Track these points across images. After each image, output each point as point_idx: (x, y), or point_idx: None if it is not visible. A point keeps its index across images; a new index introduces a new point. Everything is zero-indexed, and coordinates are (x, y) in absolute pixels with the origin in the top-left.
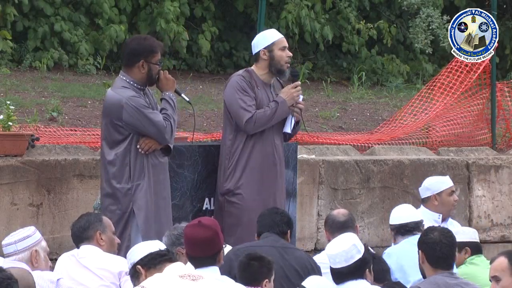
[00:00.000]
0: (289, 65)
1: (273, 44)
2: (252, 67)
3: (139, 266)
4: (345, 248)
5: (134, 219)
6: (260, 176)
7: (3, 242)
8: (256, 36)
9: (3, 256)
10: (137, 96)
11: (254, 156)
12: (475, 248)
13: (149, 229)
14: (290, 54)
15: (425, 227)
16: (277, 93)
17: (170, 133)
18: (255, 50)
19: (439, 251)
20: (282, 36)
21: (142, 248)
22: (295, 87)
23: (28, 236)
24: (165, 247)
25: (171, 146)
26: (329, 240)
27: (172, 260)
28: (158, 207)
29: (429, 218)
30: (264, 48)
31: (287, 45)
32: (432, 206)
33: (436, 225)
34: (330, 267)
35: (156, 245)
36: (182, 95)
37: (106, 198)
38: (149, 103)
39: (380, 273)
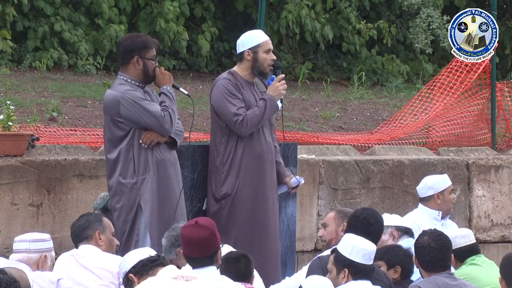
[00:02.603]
0: (271, 68)
1: (258, 46)
2: (235, 68)
3: (131, 275)
4: (375, 247)
5: (142, 214)
6: (255, 176)
7: (17, 238)
8: (243, 35)
9: (6, 253)
10: (133, 89)
11: (248, 157)
12: (460, 253)
13: (153, 223)
14: (274, 57)
15: (424, 225)
16: (261, 90)
17: (169, 123)
18: (239, 49)
19: (427, 255)
20: (268, 38)
21: (132, 257)
22: (280, 81)
23: (43, 240)
24: (155, 252)
25: (178, 141)
26: (343, 232)
27: (163, 264)
28: (163, 201)
29: (429, 216)
30: (249, 49)
31: (272, 47)
32: (434, 204)
33: (436, 222)
34: (355, 261)
35: (146, 252)
36: (181, 89)
37: (112, 197)
38: (150, 99)
39: (408, 272)
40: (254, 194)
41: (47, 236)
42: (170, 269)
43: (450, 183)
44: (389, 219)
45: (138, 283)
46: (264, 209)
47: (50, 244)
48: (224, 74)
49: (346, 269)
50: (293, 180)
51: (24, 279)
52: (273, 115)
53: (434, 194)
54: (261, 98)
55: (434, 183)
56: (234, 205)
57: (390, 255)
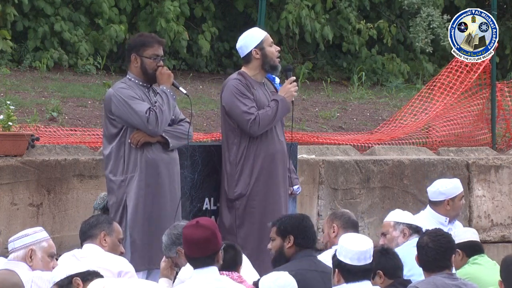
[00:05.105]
0: (279, 60)
1: (262, 42)
2: (243, 69)
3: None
4: (371, 245)
5: None
6: (268, 175)
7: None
8: (241, 38)
9: (6, 253)
10: (126, 88)
11: (261, 157)
12: (470, 248)
13: (136, 222)
14: (278, 48)
15: (429, 228)
16: (271, 90)
17: (154, 123)
18: (245, 51)
19: (425, 255)
20: (266, 32)
21: (61, 270)
22: (291, 83)
23: (25, 235)
24: (88, 268)
25: (174, 142)
26: (334, 233)
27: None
28: (151, 201)
29: (436, 221)
30: (255, 48)
31: (272, 40)
32: (443, 210)
33: (443, 227)
34: (343, 262)
35: (76, 267)
36: (180, 88)
37: (108, 195)
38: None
39: (393, 270)
40: (267, 194)
41: (32, 230)
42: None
43: (462, 189)
44: (401, 216)
45: None
46: (276, 209)
47: (35, 236)
48: (234, 75)
49: (336, 269)
50: (295, 187)
51: (8, 280)
52: (284, 116)
53: (444, 200)
54: (273, 99)
55: (446, 190)
56: (248, 205)
57: None
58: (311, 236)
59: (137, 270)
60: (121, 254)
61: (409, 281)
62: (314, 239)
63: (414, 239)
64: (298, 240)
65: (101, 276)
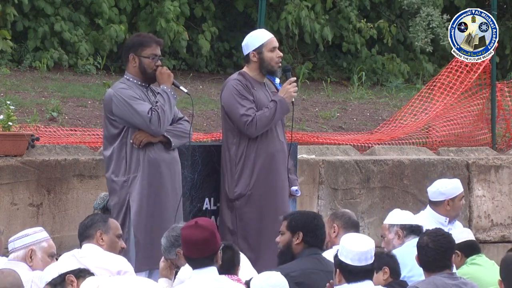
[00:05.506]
0: (280, 64)
1: (262, 46)
2: (244, 69)
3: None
4: (372, 246)
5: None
6: (268, 175)
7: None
8: (246, 37)
9: (6, 253)
10: (126, 88)
11: (261, 156)
12: (468, 248)
13: (139, 222)
14: (280, 54)
15: (429, 228)
16: (272, 90)
17: (156, 123)
18: (245, 52)
19: (425, 255)
20: (272, 36)
21: (53, 269)
22: (291, 83)
23: (25, 235)
24: (82, 266)
25: (176, 141)
26: (335, 233)
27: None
28: (153, 201)
29: (436, 221)
30: (254, 50)
31: (277, 45)
32: (443, 210)
33: (441, 227)
34: (344, 262)
35: (67, 266)
36: (181, 87)
37: (109, 196)
38: (152, 99)
39: (395, 271)
40: (267, 194)
41: (32, 230)
42: (93, 280)
43: (462, 190)
44: (396, 218)
45: None
46: (276, 208)
47: (35, 237)
48: (235, 75)
49: (337, 270)
50: (294, 188)
51: (7, 280)
52: (283, 116)
53: (444, 200)
54: (271, 100)
55: (446, 190)
56: (248, 205)
57: (375, 259)
58: (320, 236)
59: (141, 270)
60: (122, 249)
61: (405, 283)
62: (323, 239)
63: (414, 239)
64: (307, 238)
65: (93, 274)
